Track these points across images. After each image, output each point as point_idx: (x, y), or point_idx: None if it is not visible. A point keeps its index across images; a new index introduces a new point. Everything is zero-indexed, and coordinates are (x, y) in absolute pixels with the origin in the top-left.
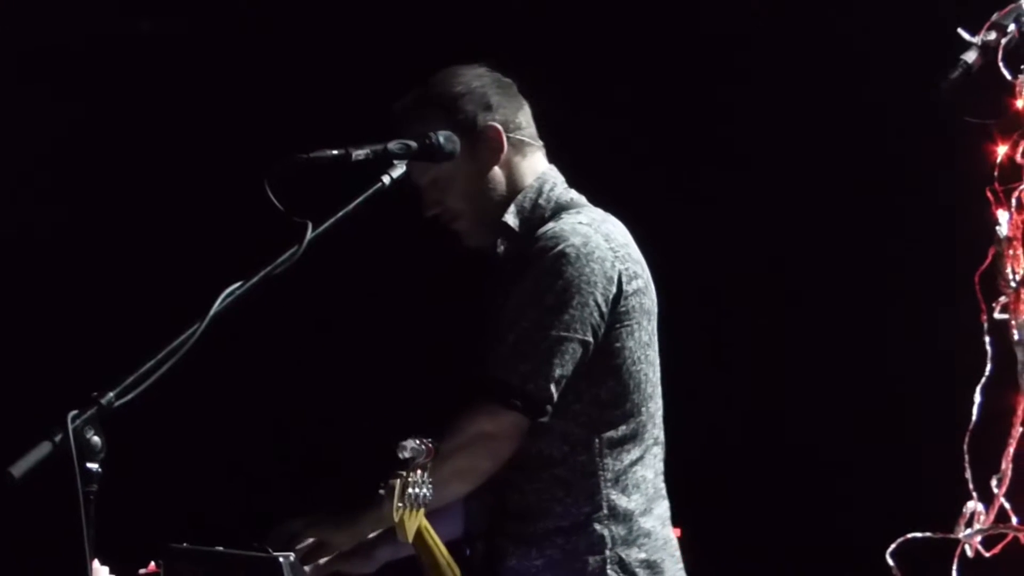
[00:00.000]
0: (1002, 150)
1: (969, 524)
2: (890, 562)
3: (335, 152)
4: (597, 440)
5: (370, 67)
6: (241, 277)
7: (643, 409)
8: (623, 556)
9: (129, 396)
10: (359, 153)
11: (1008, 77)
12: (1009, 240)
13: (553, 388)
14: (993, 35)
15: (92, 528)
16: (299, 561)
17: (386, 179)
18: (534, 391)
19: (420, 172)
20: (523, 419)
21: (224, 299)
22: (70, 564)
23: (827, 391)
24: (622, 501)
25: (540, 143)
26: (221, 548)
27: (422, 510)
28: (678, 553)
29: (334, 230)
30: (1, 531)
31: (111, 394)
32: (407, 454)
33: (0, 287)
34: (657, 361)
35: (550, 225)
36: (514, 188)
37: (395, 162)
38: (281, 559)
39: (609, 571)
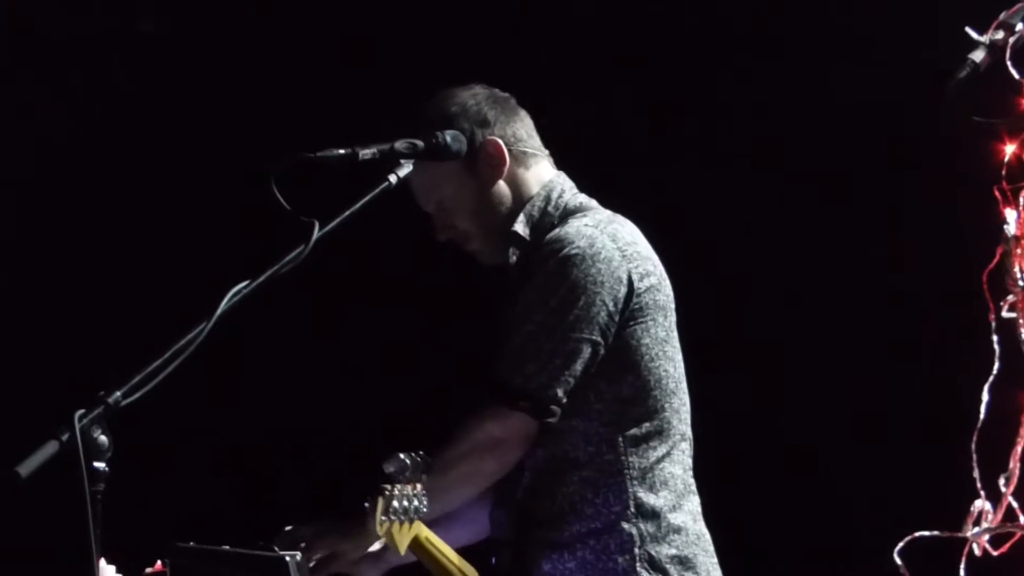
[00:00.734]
0: (1010, 149)
1: (977, 523)
2: (898, 561)
3: (342, 151)
4: (621, 438)
5: (375, 67)
6: (247, 276)
7: (666, 405)
8: (653, 553)
9: (136, 395)
10: (366, 152)
11: (1016, 76)
12: (1017, 239)
13: (559, 389)
14: (1001, 34)
15: (99, 527)
16: (307, 564)
17: (393, 178)
18: (539, 391)
19: (425, 198)
20: (530, 420)
21: (231, 298)
22: (77, 563)
23: (835, 389)
24: (650, 498)
25: (545, 152)
26: (227, 547)
27: (416, 523)
28: (712, 548)
29: (341, 229)
30: (8, 530)
31: (118, 393)
32: (390, 469)
33: (6, 285)
34: (679, 357)
35: (556, 230)
36: (521, 200)
37: (402, 161)
38: (287, 558)
39: (639, 568)
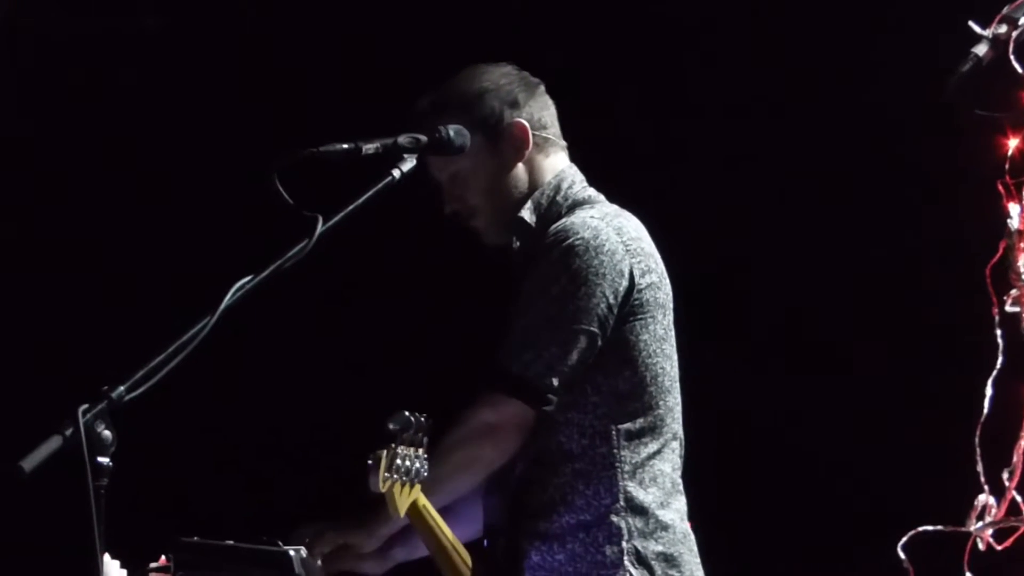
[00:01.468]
0: (1013, 143)
1: (980, 517)
2: (901, 555)
3: (345, 146)
4: (615, 432)
5: (379, 66)
6: (251, 271)
7: (661, 402)
8: (640, 548)
9: (140, 390)
10: (369, 147)
11: (1019, 70)
12: (1020, 233)
13: (555, 377)
14: (1004, 28)
15: (103, 522)
16: (317, 561)
17: (396, 173)
18: (536, 380)
19: (440, 168)
20: (527, 409)
21: (234, 293)
22: (81, 558)
23: (837, 384)
24: (639, 494)
25: (564, 143)
26: (232, 542)
27: (417, 487)
28: (695, 548)
29: (343, 224)
30: (12, 525)
31: (121, 388)
32: (395, 426)
33: (11, 281)
34: (674, 356)
35: (562, 220)
36: (533, 186)
37: (405, 156)
38: (292, 552)
39: (626, 562)
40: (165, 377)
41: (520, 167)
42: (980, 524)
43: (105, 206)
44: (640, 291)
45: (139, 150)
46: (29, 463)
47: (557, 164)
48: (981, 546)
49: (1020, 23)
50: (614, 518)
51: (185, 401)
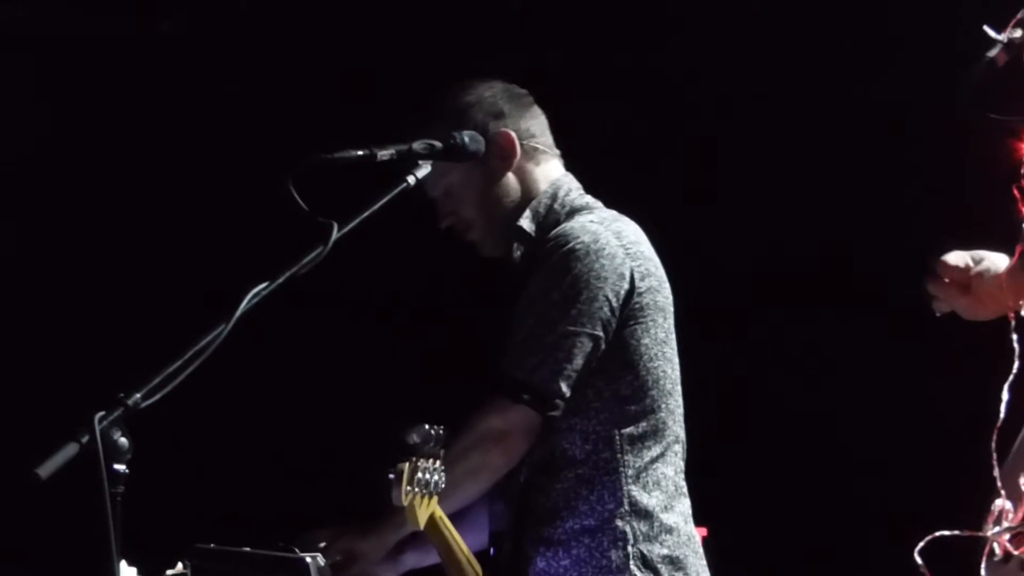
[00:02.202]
0: None
1: (997, 522)
2: (918, 560)
3: (360, 152)
4: (618, 436)
5: (385, 70)
6: (265, 277)
7: (662, 406)
8: (645, 552)
9: (156, 397)
10: (384, 153)
11: None
12: None
13: (562, 382)
14: (1019, 32)
15: (119, 529)
16: (328, 567)
17: (411, 179)
18: (541, 384)
19: (433, 184)
20: (533, 414)
21: (250, 299)
22: (97, 565)
23: (852, 389)
24: (643, 497)
25: (556, 151)
26: (248, 548)
27: (435, 498)
28: (701, 550)
29: (357, 230)
30: (29, 532)
31: (137, 395)
32: (416, 439)
33: (27, 288)
34: (676, 360)
35: (561, 226)
36: (528, 195)
37: (420, 162)
38: (308, 559)
39: (631, 566)
40: (181, 384)
41: (510, 177)
42: (997, 529)
43: (117, 212)
44: (640, 294)
45: (153, 156)
46: (45, 470)
47: (551, 172)
48: (998, 551)
49: None
50: (619, 522)
51: (201, 407)
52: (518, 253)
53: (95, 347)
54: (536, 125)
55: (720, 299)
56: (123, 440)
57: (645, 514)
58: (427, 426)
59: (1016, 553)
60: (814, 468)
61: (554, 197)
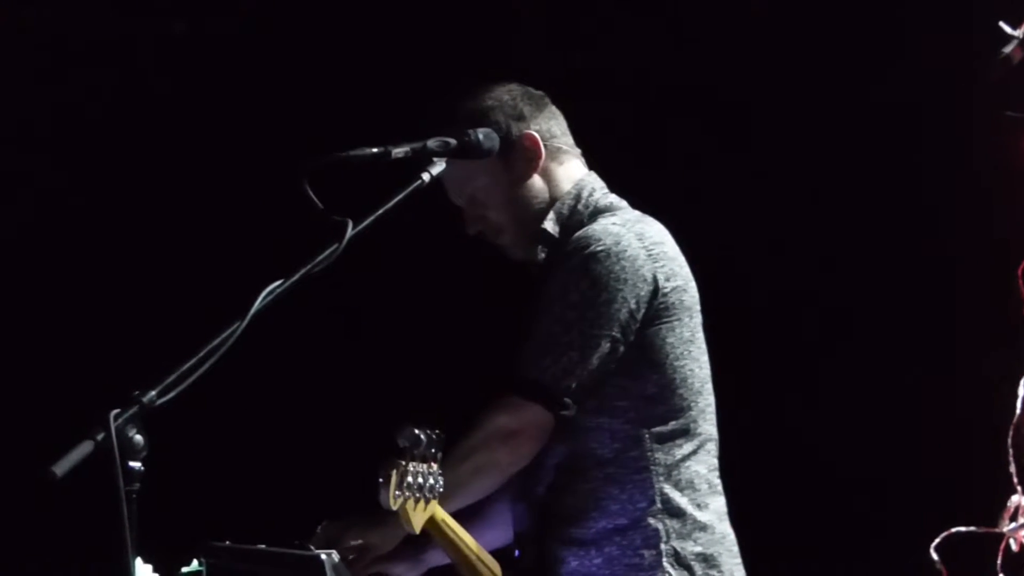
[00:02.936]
0: None
1: (1014, 518)
2: (934, 556)
3: (375, 150)
4: (647, 435)
5: (399, 69)
6: (278, 275)
7: (692, 404)
8: (678, 549)
9: (170, 395)
10: (398, 151)
11: None
12: None
13: (573, 382)
14: None
15: (134, 527)
16: (344, 563)
17: (426, 176)
18: (553, 384)
19: (457, 192)
20: (544, 413)
21: (264, 297)
22: (113, 562)
23: (869, 384)
24: (675, 496)
25: (577, 151)
26: (263, 546)
27: (434, 502)
28: (736, 548)
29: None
30: (44, 530)
31: (152, 393)
32: (404, 443)
33: (41, 285)
34: (704, 358)
35: (584, 228)
36: (553, 196)
37: (434, 160)
38: (323, 556)
39: (665, 564)
40: (195, 381)
41: (536, 178)
42: (1013, 525)
43: (131, 210)
44: (665, 295)
45: (167, 154)
46: (61, 468)
47: (574, 173)
48: (1014, 547)
49: None
50: (651, 520)
51: (216, 405)
52: (542, 255)
53: (110, 346)
54: (556, 125)
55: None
56: (138, 438)
57: (678, 512)
58: (416, 430)
59: None
60: (829, 466)
61: (577, 198)
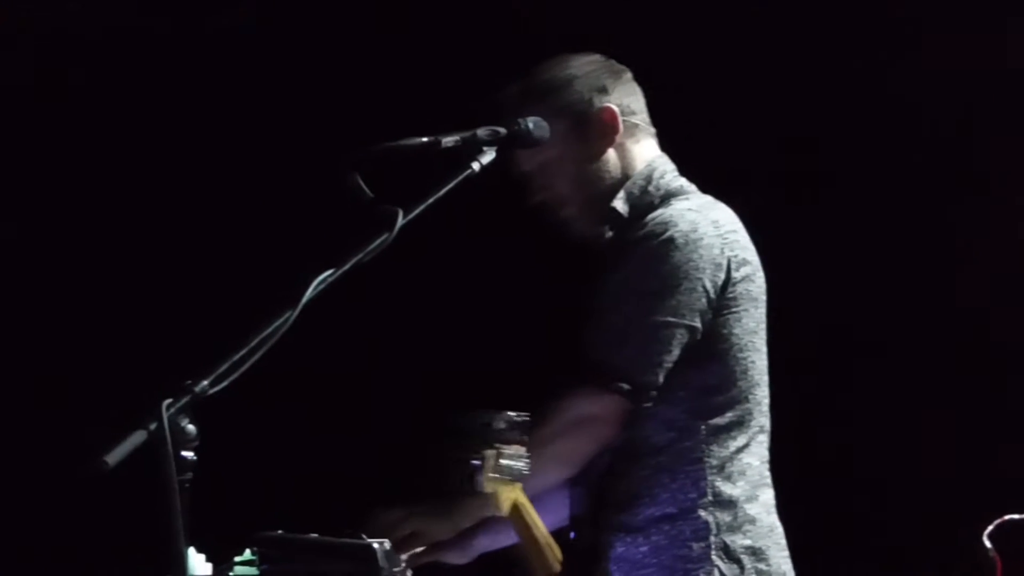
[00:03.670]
0: None
1: None
2: (987, 543)
3: (424, 139)
4: (703, 427)
5: (404, 66)
6: (323, 264)
7: (749, 396)
8: (728, 542)
9: (223, 384)
10: (448, 140)
11: None
12: None
13: (658, 373)
14: None
15: (187, 516)
16: (395, 549)
17: (476, 166)
18: (638, 375)
19: (527, 158)
20: (626, 403)
21: (316, 287)
22: (165, 553)
23: (920, 375)
24: (727, 488)
25: (653, 130)
26: (315, 535)
27: (518, 484)
28: (784, 541)
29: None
30: (98, 520)
31: (204, 382)
32: (501, 425)
33: (95, 280)
34: (765, 349)
35: (658, 212)
36: (625, 174)
37: (484, 149)
38: (375, 545)
39: (713, 556)
40: (247, 371)
41: (611, 153)
42: None
43: (178, 203)
44: (735, 284)
45: (215, 146)
46: (113, 458)
47: (648, 152)
48: None
49: None
50: (701, 512)
51: (268, 394)
52: (609, 235)
53: (161, 336)
54: (635, 101)
55: None
56: (190, 427)
57: (729, 504)
58: (511, 413)
59: None
60: (883, 449)
61: (648, 179)
